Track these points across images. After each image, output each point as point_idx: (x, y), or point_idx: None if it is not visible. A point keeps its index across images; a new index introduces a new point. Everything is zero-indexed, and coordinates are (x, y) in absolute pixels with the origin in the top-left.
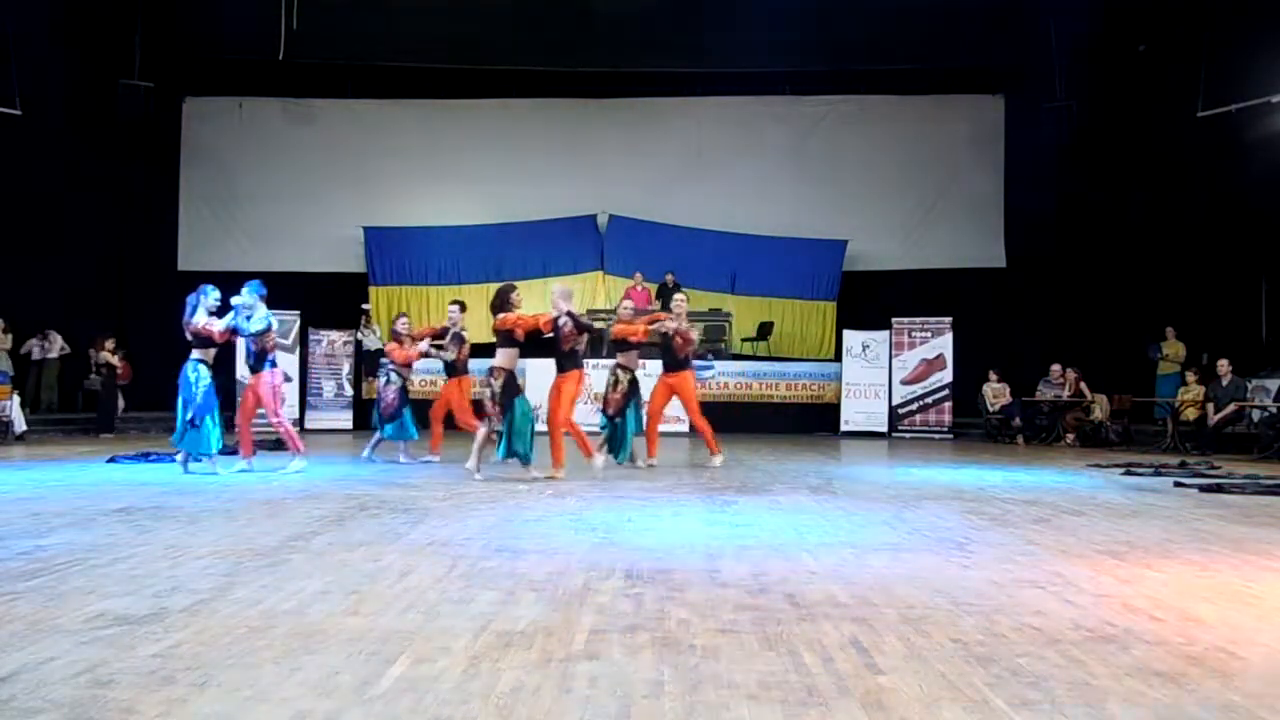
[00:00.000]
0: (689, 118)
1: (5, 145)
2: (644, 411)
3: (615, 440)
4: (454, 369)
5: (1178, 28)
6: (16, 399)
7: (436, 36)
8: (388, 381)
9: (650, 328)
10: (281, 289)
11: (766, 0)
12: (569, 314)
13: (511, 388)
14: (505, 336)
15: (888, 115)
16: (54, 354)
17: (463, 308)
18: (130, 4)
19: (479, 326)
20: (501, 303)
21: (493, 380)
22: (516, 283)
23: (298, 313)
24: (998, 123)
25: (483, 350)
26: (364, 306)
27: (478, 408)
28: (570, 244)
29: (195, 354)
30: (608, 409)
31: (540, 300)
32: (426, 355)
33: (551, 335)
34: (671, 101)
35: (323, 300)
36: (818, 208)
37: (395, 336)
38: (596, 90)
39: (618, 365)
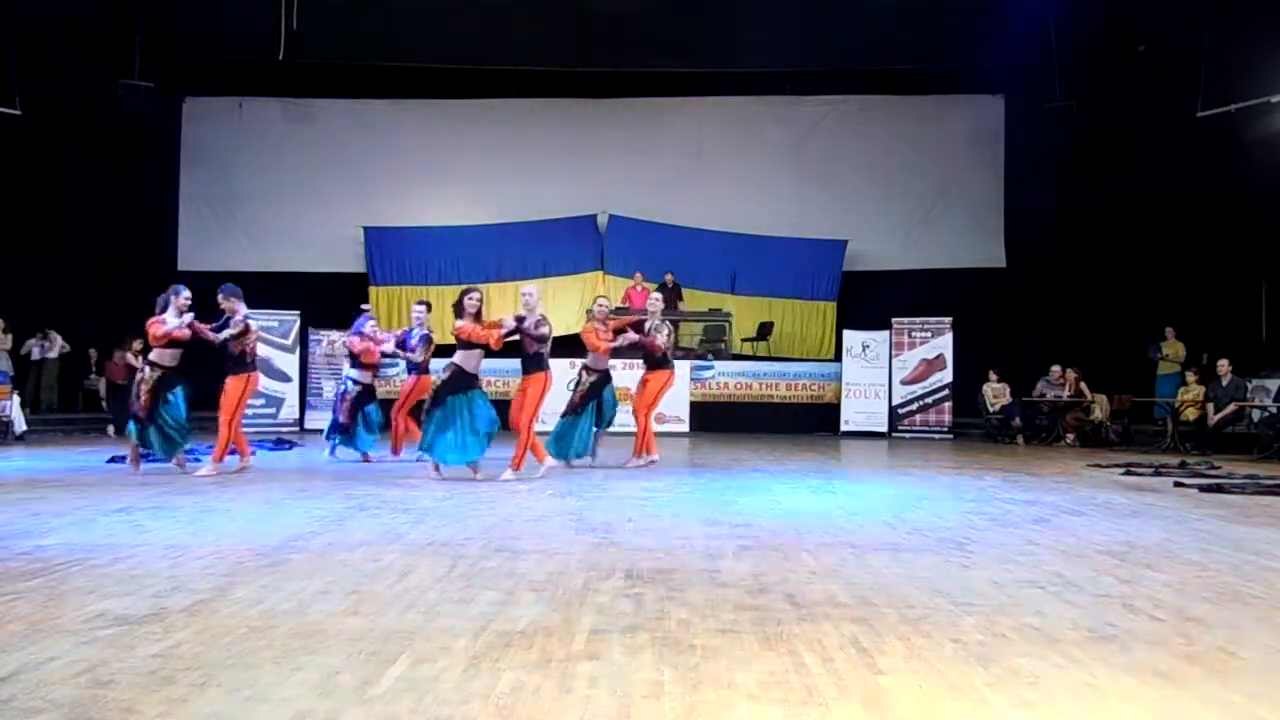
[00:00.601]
0: (689, 118)
1: (5, 145)
2: (613, 410)
3: (568, 438)
4: (419, 368)
5: (1178, 28)
6: (16, 399)
7: (436, 36)
8: (344, 391)
9: (611, 344)
10: (281, 289)
11: (766, 0)
12: (518, 327)
13: (454, 384)
14: (464, 341)
15: (888, 115)
16: (54, 354)
17: (428, 308)
18: (130, 4)
19: (444, 328)
20: (457, 308)
21: (443, 374)
22: (517, 283)
23: (298, 313)
24: (998, 123)
25: (447, 350)
26: (364, 306)
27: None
28: (570, 244)
29: (152, 356)
30: (566, 407)
31: (541, 300)
32: (391, 355)
33: (517, 339)
34: (671, 101)
35: (323, 300)
36: (818, 208)
37: (360, 336)
38: (596, 90)
39: (584, 366)
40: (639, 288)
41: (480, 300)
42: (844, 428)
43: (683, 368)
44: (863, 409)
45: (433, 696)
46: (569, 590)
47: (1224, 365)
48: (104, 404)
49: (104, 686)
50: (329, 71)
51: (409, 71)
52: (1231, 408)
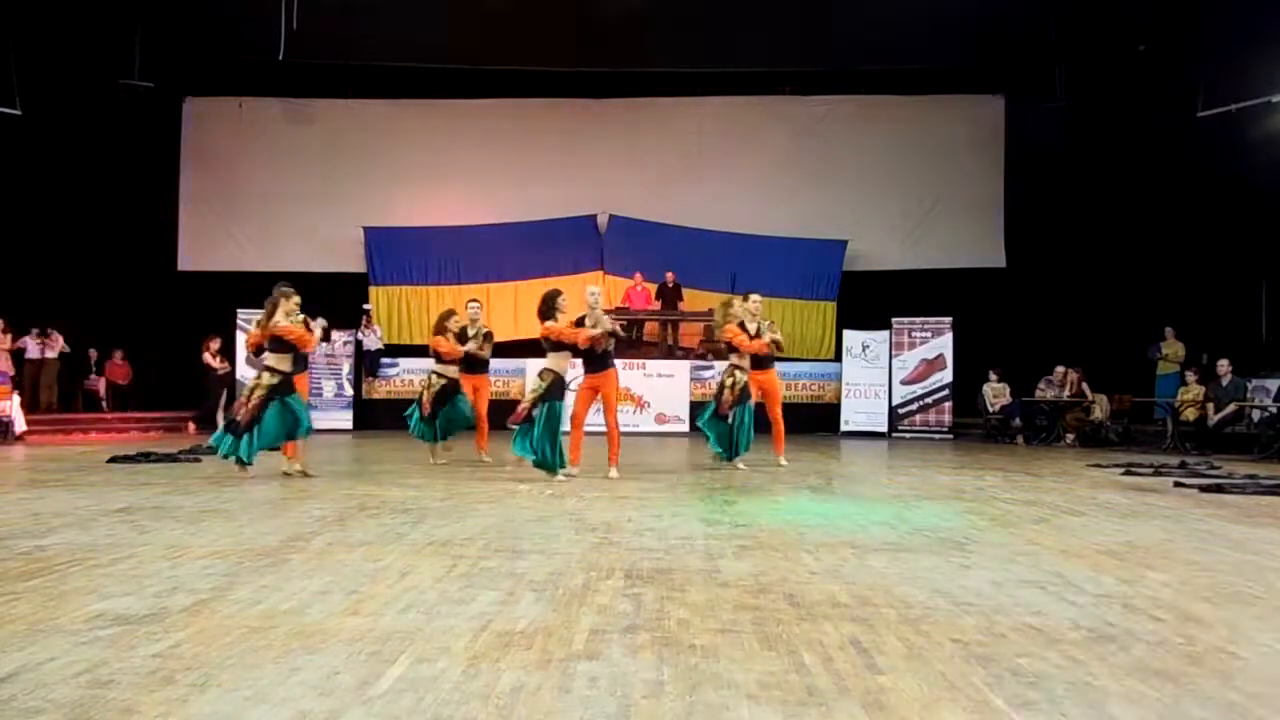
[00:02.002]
0: (689, 118)
1: (5, 145)
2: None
3: (732, 439)
4: (476, 366)
5: (1178, 28)
6: (17, 399)
7: (436, 36)
8: (440, 387)
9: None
10: None
11: (766, 0)
12: (613, 333)
13: (555, 390)
14: (554, 342)
15: (888, 115)
16: (54, 354)
17: (480, 305)
18: (130, 4)
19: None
20: (549, 309)
21: (540, 380)
22: (516, 283)
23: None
24: (998, 123)
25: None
26: (364, 306)
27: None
28: (570, 244)
29: (271, 361)
30: (721, 409)
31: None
32: (473, 354)
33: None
34: (671, 101)
35: (323, 300)
36: (818, 208)
37: (443, 331)
38: (596, 90)
39: (734, 366)
40: (639, 288)
41: (566, 302)
42: (844, 428)
43: (683, 368)
44: (863, 409)
45: (433, 696)
46: (569, 590)
47: (1224, 365)
48: (103, 404)
49: (104, 686)
50: (329, 71)
51: (409, 71)
52: (1231, 408)
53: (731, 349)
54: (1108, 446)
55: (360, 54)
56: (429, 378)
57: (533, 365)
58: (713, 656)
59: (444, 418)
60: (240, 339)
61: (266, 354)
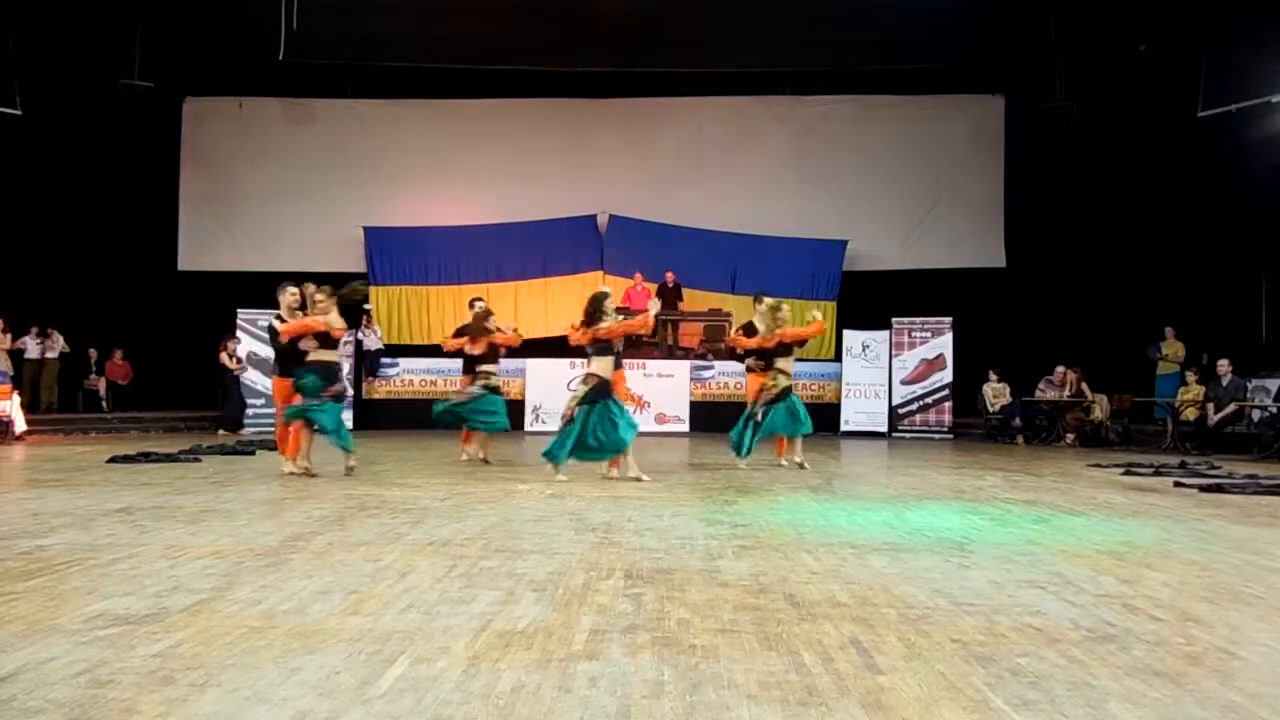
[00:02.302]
0: (689, 118)
1: (6, 145)
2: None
3: (744, 440)
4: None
5: (1178, 28)
6: (17, 399)
7: (436, 36)
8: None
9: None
10: None
11: (766, 0)
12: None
13: (599, 392)
14: (602, 345)
15: (888, 115)
16: (54, 354)
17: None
18: (130, 4)
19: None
20: (598, 312)
21: (583, 385)
22: (516, 283)
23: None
24: (998, 123)
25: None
26: (365, 306)
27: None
28: (570, 244)
29: (324, 355)
30: (756, 410)
31: (541, 301)
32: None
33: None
34: (671, 101)
35: None
36: (818, 207)
37: (486, 332)
38: (596, 90)
39: (778, 370)
40: (639, 288)
41: (614, 305)
42: (844, 428)
43: (683, 368)
44: (863, 409)
45: (433, 696)
46: (569, 590)
47: (1224, 365)
48: (103, 404)
49: (104, 686)
50: (329, 71)
51: (409, 71)
52: (1231, 408)
53: (783, 350)
54: (1108, 446)
55: (360, 54)
56: (487, 377)
57: (533, 366)
58: (713, 656)
59: (484, 416)
60: (244, 339)
61: (317, 350)
